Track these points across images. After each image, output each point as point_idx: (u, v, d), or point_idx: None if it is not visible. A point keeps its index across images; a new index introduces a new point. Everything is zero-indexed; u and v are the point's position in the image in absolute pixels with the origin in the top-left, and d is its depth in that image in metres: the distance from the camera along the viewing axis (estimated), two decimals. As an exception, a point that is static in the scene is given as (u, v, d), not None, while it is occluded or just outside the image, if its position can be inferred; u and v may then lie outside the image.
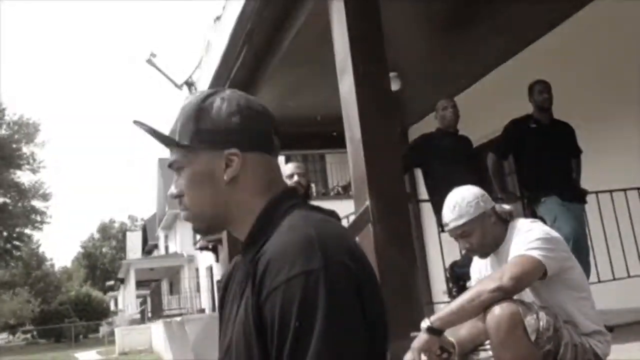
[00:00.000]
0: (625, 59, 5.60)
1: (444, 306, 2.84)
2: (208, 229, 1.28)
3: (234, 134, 1.21)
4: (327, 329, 0.97)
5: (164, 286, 35.10)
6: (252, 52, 5.50)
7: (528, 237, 2.42)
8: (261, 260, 1.07)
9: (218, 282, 23.80)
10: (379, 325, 1.08)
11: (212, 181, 1.21)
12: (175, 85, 9.32)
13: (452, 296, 4.84)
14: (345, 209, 4.55)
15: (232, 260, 1.39)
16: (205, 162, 1.21)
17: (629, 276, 5.12)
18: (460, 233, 2.60)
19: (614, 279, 5.04)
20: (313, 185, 16.01)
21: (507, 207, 2.68)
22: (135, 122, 1.24)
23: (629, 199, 5.31)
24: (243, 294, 1.14)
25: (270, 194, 1.21)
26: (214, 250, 23.33)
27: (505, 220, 2.63)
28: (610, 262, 5.10)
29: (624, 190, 5.31)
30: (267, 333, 1.03)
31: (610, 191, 5.30)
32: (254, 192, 1.21)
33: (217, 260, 23.78)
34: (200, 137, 1.21)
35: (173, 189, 1.27)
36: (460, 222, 2.57)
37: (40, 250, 58.70)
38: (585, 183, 4.95)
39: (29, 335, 49.36)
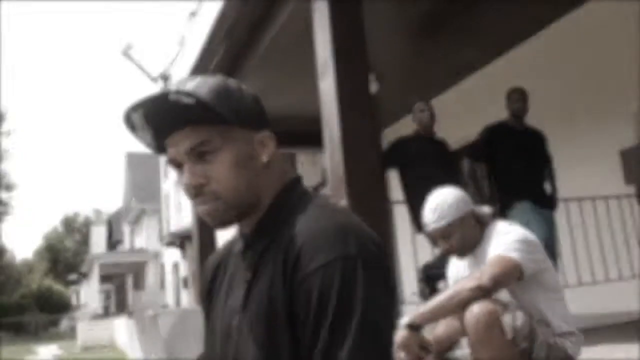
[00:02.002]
0: (606, 66, 5.67)
1: (415, 307, 2.89)
2: (237, 219, 1.17)
3: (261, 117, 1.21)
4: (367, 315, 0.99)
5: (129, 282, 34.71)
6: (231, 49, 5.49)
7: (507, 239, 2.48)
8: (292, 244, 1.06)
9: (185, 277, 23.66)
10: (395, 307, 1.11)
11: (251, 163, 1.15)
12: (150, 78, 9.28)
13: (424, 297, 4.89)
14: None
15: (224, 246, 1.37)
16: (244, 143, 1.15)
17: (594, 282, 5.25)
18: (441, 234, 2.65)
19: (580, 285, 5.16)
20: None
21: (485, 209, 2.74)
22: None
23: (597, 207, 5.44)
24: (256, 280, 1.13)
25: (284, 180, 1.21)
26: (182, 246, 23.14)
27: (483, 223, 2.69)
28: (577, 268, 5.22)
29: (592, 198, 5.44)
30: (298, 317, 1.03)
31: (579, 199, 5.43)
32: (278, 177, 1.20)
33: (184, 256, 23.60)
34: (238, 116, 1.14)
35: (192, 179, 1.12)
36: (441, 223, 2.62)
37: (1, 241, 57.55)
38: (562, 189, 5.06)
39: (-12, 328, 48.38)
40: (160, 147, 1.18)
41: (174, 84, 1.14)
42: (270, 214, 1.17)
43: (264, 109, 1.23)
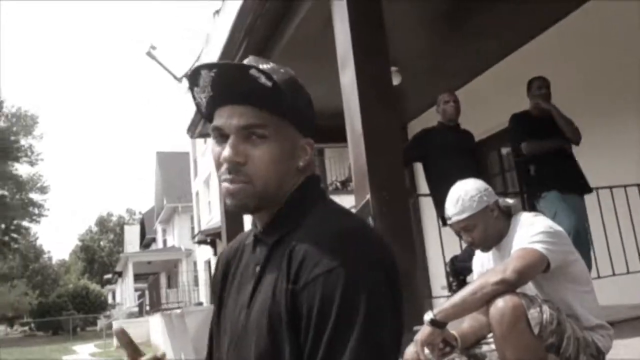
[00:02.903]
0: (626, 55, 5.58)
1: (444, 300, 2.85)
2: (256, 207, 1.15)
3: (311, 123, 1.20)
4: (368, 322, 0.97)
5: (162, 280, 35.15)
6: (253, 45, 5.48)
7: (531, 230, 2.42)
8: (297, 248, 1.05)
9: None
10: (402, 314, 1.08)
11: (289, 162, 1.15)
12: (175, 78, 9.35)
13: (452, 291, 4.84)
14: (344, 204, 4.53)
15: (236, 239, 1.36)
16: (291, 141, 1.15)
17: (628, 272, 5.12)
18: (463, 227, 2.60)
19: (614, 275, 5.05)
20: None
21: (510, 201, 2.68)
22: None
23: (629, 195, 5.31)
24: (263, 277, 1.13)
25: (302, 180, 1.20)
26: (212, 244, 23.32)
27: (508, 214, 2.63)
28: (610, 258, 5.11)
29: (624, 186, 5.31)
30: (300, 321, 1.01)
31: (610, 187, 5.30)
32: (303, 181, 1.19)
33: (215, 253, 23.78)
34: (295, 114, 1.15)
35: (233, 154, 1.10)
36: (463, 216, 2.56)
37: (38, 243, 58.85)
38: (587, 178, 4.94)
39: (26, 328, 49.38)
40: (208, 111, 1.17)
41: (252, 61, 1.12)
42: (283, 212, 1.16)
43: (315, 116, 1.22)
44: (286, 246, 1.09)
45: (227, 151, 1.10)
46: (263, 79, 1.06)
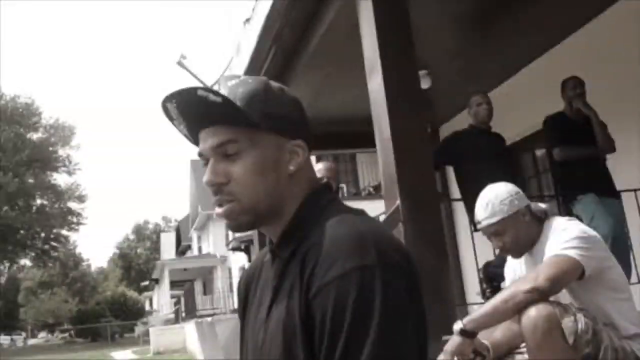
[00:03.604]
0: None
1: (478, 307, 2.78)
2: (253, 223, 1.14)
3: (297, 125, 1.18)
4: (384, 327, 0.94)
5: (198, 286, 35.41)
6: (281, 52, 5.48)
7: (564, 236, 2.34)
8: (309, 254, 1.04)
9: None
10: (423, 321, 1.05)
11: (276, 170, 1.12)
12: (206, 86, 9.41)
13: (486, 297, 4.75)
14: (377, 209, 4.50)
15: (257, 256, 1.36)
16: (273, 148, 1.12)
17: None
18: (493, 232, 2.54)
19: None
20: (344, 185, 15.95)
21: (542, 205, 2.61)
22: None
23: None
24: (279, 291, 1.11)
25: (310, 189, 1.18)
26: (246, 250, 23.45)
27: (540, 219, 2.56)
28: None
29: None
30: (314, 329, 0.99)
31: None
32: (304, 187, 1.17)
33: (250, 260, 23.90)
34: (270, 121, 1.12)
35: (212, 176, 1.11)
36: (493, 220, 2.50)
37: (77, 251, 59.84)
38: (624, 181, 4.81)
39: (66, 335, 50.31)
40: (196, 140, 1.17)
41: (219, 79, 1.13)
42: (293, 223, 1.14)
43: (305, 117, 1.20)
44: (299, 257, 1.07)
45: (206, 175, 1.12)
46: (212, 97, 1.06)
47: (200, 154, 1.15)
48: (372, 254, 0.99)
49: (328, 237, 1.03)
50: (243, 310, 1.29)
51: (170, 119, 1.15)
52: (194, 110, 1.10)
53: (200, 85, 8.77)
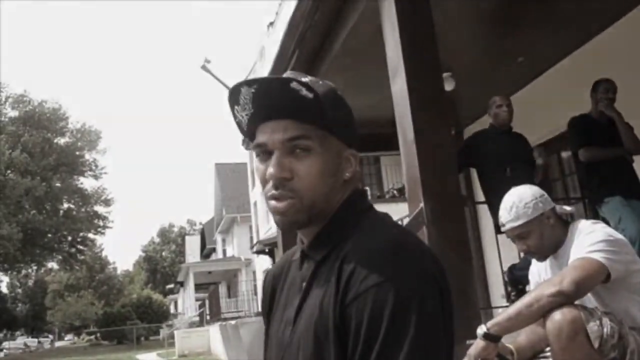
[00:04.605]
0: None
1: (502, 311, 2.76)
2: (305, 223, 1.13)
3: (354, 134, 1.20)
4: (419, 339, 0.95)
5: (222, 289, 35.56)
6: (304, 56, 5.49)
7: (590, 239, 2.31)
8: (346, 261, 1.04)
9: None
10: (452, 329, 1.06)
11: (335, 175, 1.13)
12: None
13: (511, 300, 4.71)
14: (401, 212, 4.49)
15: (282, 257, 1.36)
16: (336, 153, 1.13)
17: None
18: (518, 234, 2.52)
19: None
20: (368, 188, 15.92)
21: (567, 208, 2.58)
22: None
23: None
24: (310, 292, 1.12)
25: (348, 193, 1.18)
26: (271, 253, 23.49)
27: (565, 222, 2.54)
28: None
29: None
30: (348, 335, 0.99)
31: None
32: (346, 193, 1.17)
33: (274, 263, 23.93)
34: (338, 126, 1.13)
35: (278, 169, 1.09)
36: (517, 223, 2.48)
37: (103, 254, 60.47)
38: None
39: (92, 337, 50.80)
40: (251, 129, 1.16)
41: (291, 75, 1.11)
42: (330, 226, 1.14)
43: (357, 127, 1.21)
44: (334, 261, 1.07)
45: (272, 167, 1.09)
46: (304, 91, 1.05)
47: (261, 144, 1.12)
48: (409, 265, 1.00)
49: (366, 246, 1.04)
50: (269, 309, 1.30)
51: (235, 102, 1.13)
52: (277, 100, 1.08)
53: (227, 88, 8.83)
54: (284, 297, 1.24)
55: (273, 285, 1.31)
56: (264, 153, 1.12)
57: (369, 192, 15.86)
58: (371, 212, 1.16)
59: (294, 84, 1.05)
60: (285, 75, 1.12)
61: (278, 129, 1.09)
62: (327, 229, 1.14)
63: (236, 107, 1.14)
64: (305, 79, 1.10)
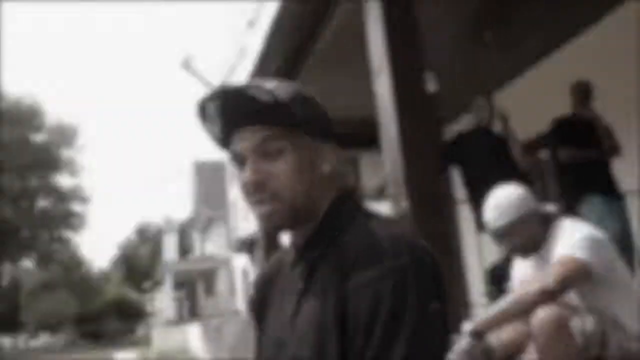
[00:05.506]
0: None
1: (483, 309, 2.80)
2: (292, 222, 1.15)
3: (328, 129, 1.22)
4: (417, 324, 0.99)
5: (200, 288, 35.42)
6: (288, 56, 5.50)
7: (573, 237, 2.36)
8: (345, 256, 1.07)
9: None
10: (447, 318, 1.10)
11: (313, 172, 1.16)
12: (211, 88, 9.42)
13: (491, 298, 4.76)
14: (379, 211, 4.50)
15: (274, 259, 1.38)
16: (311, 150, 1.16)
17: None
18: (503, 233, 2.55)
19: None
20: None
21: (550, 207, 2.62)
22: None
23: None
24: (308, 290, 1.14)
25: (338, 191, 1.21)
26: (249, 252, 23.44)
27: (549, 221, 2.58)
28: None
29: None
30: (348, 327, 1.03)
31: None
32: (333, 190, 1.20)
33: (252, 262, 23.89)
34: (308, 123, 1.15)
35: (254, 175, 1.11)
36: (503, 222, 2.52)
37: (79, 252, 59.71)
38: (628, 181, 4.83)
39: (68, 336, 50.25)
40: (225, 141, 1.19)
41: (253, 82, 1.14)
42: (323, 225, 1.17)
43: (331, 122, 1.24)
44: (331, 258, 1.10)
45: (248, 173, 1.12)
46: (263, 96, 1.09)
47: (235, 155, 1.16)
48: (407, 256, 1.04)
49: (364, 240, 1.08)
50: (260, 310, 1.31)
51: (204, 118, 1.16)
52: (239, 109, 1.11)
53: (206, 85, 8.79)
54: (278, 297, 1.25)
55: (265, 286, 1.33)
56: (240, 162, 1.16)
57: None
58: (363, 209, 1.19)
59: (252, 91, 1.09)
60: (249, 83, 1.14)
61: (247, 136, 1.13)
62: (319, 229, 1.16)
63: (205, 123, 1.17)
64: (269, 85, 1.13)
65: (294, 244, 1.22)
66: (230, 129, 1.15)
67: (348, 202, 1.20)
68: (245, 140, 1.13)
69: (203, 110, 1.15)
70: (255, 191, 1.12)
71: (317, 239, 1.16)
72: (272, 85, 1.13)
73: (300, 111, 1.13)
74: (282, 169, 1.12)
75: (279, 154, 1.12)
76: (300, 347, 1.09)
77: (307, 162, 1.14)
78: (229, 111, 1.12)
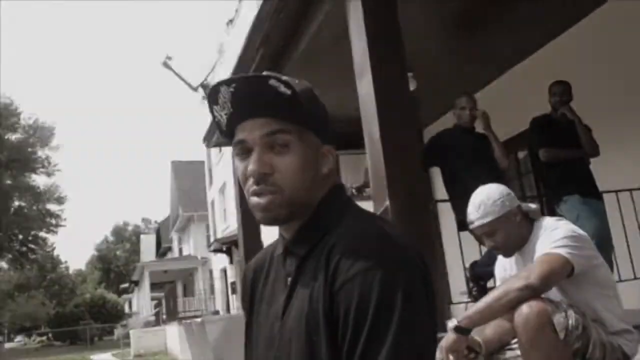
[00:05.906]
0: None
1: (464, 306, 2.84)
2: (288, 218, 1.14)
3: (329, 130, 1.22)
4: (405, 319, 0.99)
5: (179, 288, 35.23)
6: (268, 55, 5.49)
7: (555, 235, 2.41)
8: (333, 252, 1.07)
9: (232, 283, 23.86)
10: (435, 313, 1.10)
11: (315, 169, 1.15)
12: (191, 87, 9.40)
13: (472, 296, 4.81)
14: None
15: (261, 254, 1.36)
16: (315, 148, 1.16)
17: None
18: (486, 232, 2.59)
19: (635, 278, 5.00)
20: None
21: (532, 206, 2.67)
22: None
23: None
24: (296, 286, 1.14)
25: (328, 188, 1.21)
26: (228, 252, 23.37)
27: (530, 219, 2.62)
28: (632, 261, 5.06)
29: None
30: (337, 322, 1.03)
31: (631, 190, 5.26)
32: (329, 189, 1.20)
33: (231, 262, 23.82)
34: (315, 122, 1.16)
35: (258, 165, 1.11)
36: (485, 220, 2.56)
37: (55, 253, 58.96)
38: (605, 181, 4.91)
39: (44, 338, 49.68)
40: (229, 128, 1.17)
41: (266, 73, 1.12)
42: (312, 221, 1.17)
43: (331, 123, 1.24)
44: (319, 254, 1.10)
45: (253, 163, 1.11)
46: (282, 88, 1.07)
47: (241, 141, 1.14)
48: (393, 252, 1.04)
49: (352, 235, 1.08)
50: (250, 305, 1.31)
51: (214, 102, 1.14)
52: (255, 98, 1.10)
53: (187, 84, 8.76)
54: (267, 292, 1.25)
55: (253, 279, 1.32)
56: (244, 150, 1.14)
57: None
58: (351, 205, 1.19)
59: (272, 81, 1.07)
60: (263, 73, 1.13)
61: (257, 126, 1.11)
62: (308, 224, 1.16)
63: (215, 106, 1.15)
64: (284, 77, 1.12)
65: (283, 238, 1.22)
66: (241, 116, 1.14)
67: (338, 198, 1.20)
68: (255, 129, 1.12)
69: (216, 93, 1.12)
70: (258, 182, 1.11)
71: (306, 235, 1.16)
72: (289, 79, 1.11)
73: (311, 109, 1.13)
74: (287, 164, 1.11)
75: (285, 148, 1.11)
76: (290, 344, 1.10)
77: (311, 161, 1.14)
78: (244, 98, 1.11)
